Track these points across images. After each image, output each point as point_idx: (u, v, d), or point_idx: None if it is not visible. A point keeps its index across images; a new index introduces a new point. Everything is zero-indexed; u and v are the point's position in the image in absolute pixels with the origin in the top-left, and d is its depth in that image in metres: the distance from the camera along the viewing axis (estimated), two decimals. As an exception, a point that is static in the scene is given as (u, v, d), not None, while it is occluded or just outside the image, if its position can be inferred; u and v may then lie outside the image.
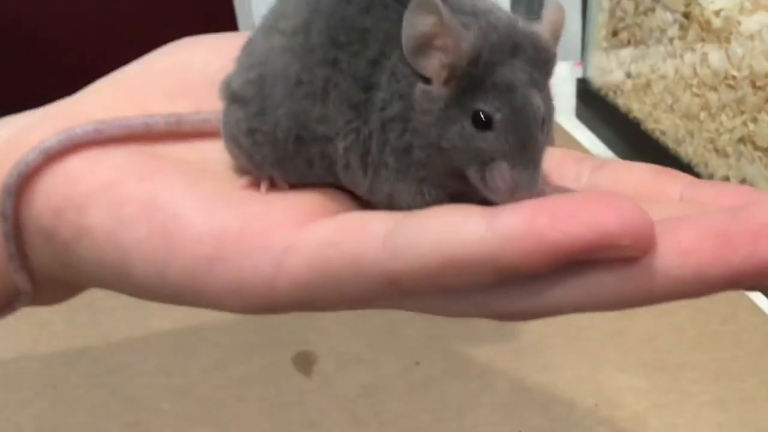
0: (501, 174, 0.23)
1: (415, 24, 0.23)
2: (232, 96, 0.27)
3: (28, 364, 0.48)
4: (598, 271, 0.20)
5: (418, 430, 0.43)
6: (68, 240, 0.26)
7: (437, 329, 0.49)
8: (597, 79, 0.73)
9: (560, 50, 0.25)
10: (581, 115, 0.74)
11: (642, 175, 0.26)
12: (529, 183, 0.23)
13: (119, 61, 0.32)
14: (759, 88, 0.50)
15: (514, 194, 0.23)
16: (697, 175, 0.56)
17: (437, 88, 0.24)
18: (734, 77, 0.53)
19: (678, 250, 0.20)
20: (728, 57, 0.53)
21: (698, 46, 0.56)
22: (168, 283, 0.24)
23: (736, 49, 0.52)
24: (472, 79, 0.24)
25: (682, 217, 0.21)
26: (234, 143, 0.27)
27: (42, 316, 0.51)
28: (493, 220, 0.20)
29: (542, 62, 0.24)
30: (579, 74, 0.76)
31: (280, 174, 0.26)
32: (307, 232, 0.23)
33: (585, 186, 0.27)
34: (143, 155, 0.27)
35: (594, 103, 0.72)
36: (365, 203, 0.26)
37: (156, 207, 0.25)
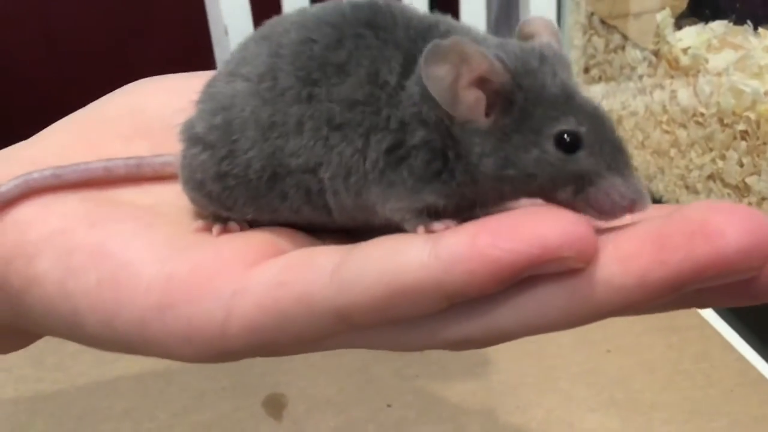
0: (616, 190, 0.22)
1: (438, 78, 0.22)
2: (195, 138, 0.26)
3: (-7, 409, 0.47)
4: (543, 287, 0.20)
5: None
6: (18, 289, 0.25)
7: (409, 370, 0.49)
8: (570, 115, 0.73)
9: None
10: (555, 151, 0.74)
11: None
12: (643, 192, 0.22)
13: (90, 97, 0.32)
14: (726, 125, 0.50)
15: (634, 207, 0.22)
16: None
17: (483, 122, 0.23)
18: (702, 114, 0.53)
19: (618, 258, 0.19)
20: (696, 94, 0.53)
21: (667, 83, 0.57)
22: (118, 332, 0.24)
23: (704, 86, 0.52)
24: (526, 96, 0.22)
25: (621, 226, 0.20)
26: (197, 188, 0.27)
27: (9, 360, 0.50)
28: (435, 245, 0.20)
29: (567, 65, 0.23)
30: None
31: (253, 212, 0.26)
32: (255, 273, 0.23)
33: None
34: (96, 201, 0.27)
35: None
36: (319, 238, 0.26)
37: (105, 255, 0.24)
